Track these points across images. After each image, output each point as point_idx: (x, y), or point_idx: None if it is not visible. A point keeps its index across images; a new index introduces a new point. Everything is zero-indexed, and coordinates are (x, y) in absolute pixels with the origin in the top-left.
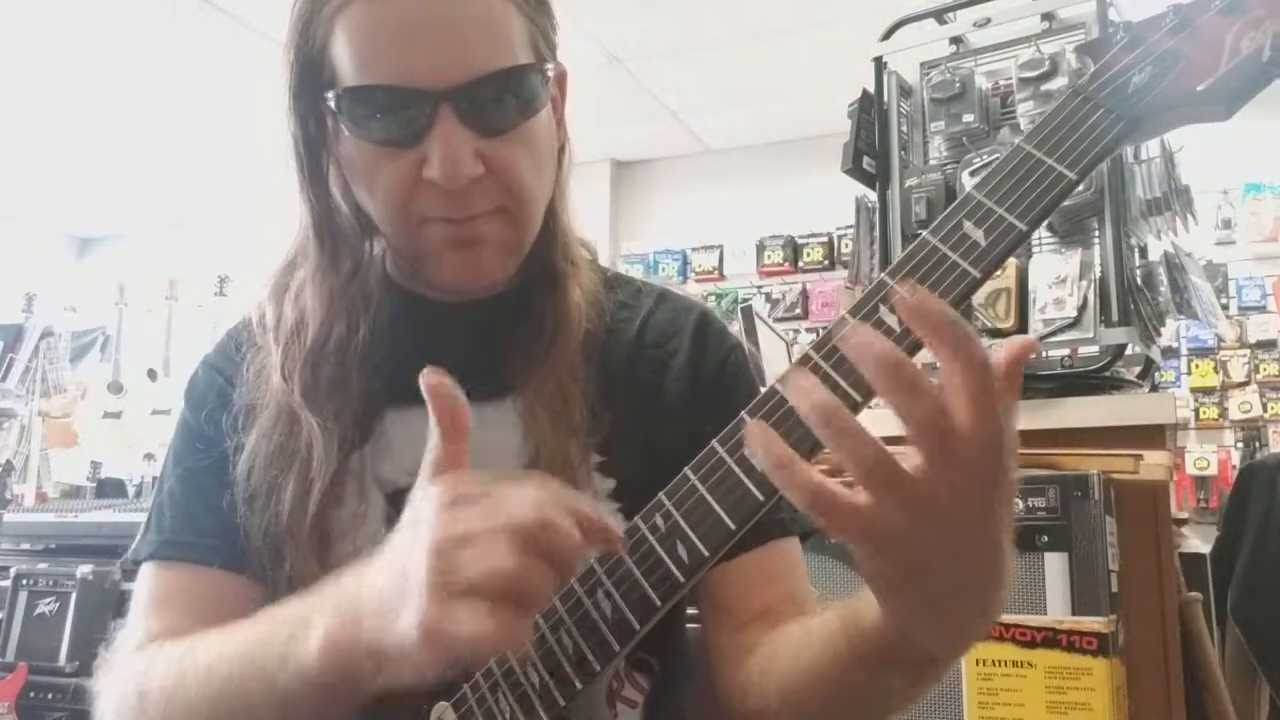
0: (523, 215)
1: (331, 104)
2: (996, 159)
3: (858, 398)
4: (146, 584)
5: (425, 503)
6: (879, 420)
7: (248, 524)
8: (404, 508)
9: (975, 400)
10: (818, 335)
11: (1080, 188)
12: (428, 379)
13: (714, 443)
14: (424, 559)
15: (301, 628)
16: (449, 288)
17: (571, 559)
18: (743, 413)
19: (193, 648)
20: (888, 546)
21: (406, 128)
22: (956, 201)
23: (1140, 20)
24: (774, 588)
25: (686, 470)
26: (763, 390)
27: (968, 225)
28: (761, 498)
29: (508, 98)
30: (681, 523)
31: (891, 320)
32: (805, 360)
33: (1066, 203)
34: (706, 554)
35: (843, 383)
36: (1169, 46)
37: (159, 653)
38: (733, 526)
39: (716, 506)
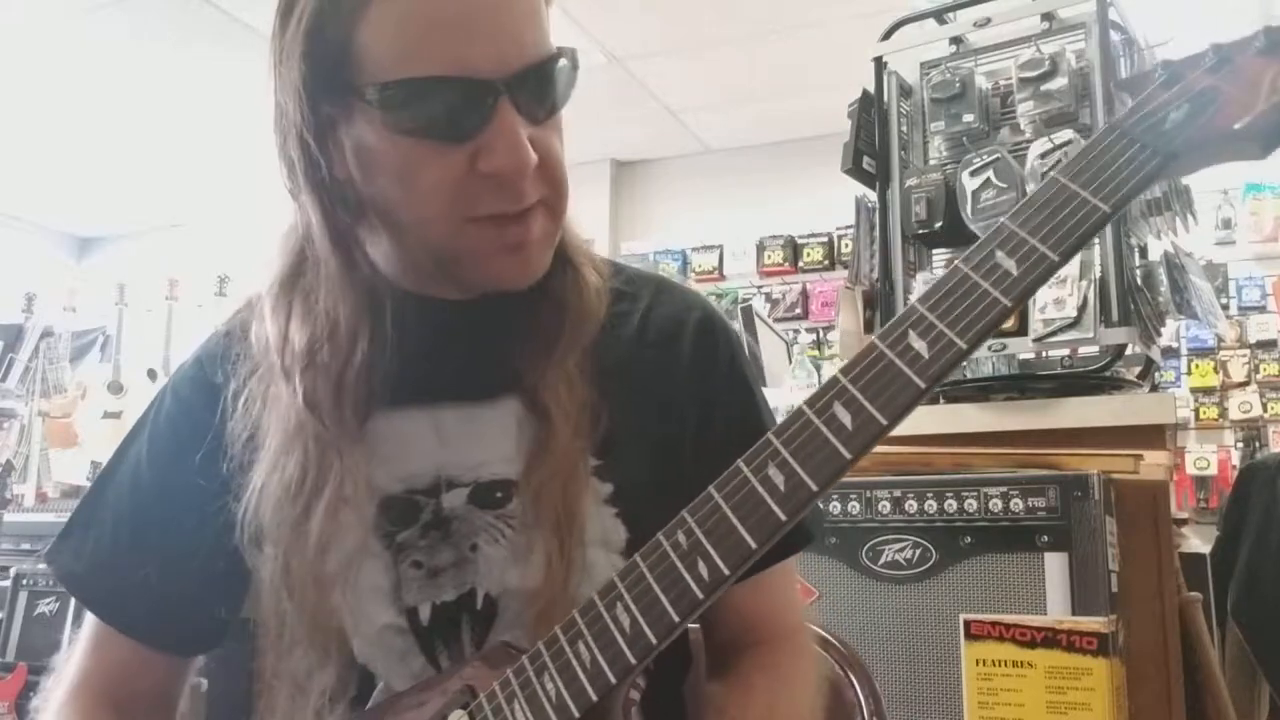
0: (560, 206)
1: (371, 97)
2: (996, 159)
3: (884, 421)
4: (85, 633)
5: None
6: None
7: (255, 564)
8: (394, 516)
9: None
10: (818, 336)
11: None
12: None
13: (739, 462)
14: None
15: None
16: (492, 289)
17: None
18: (768, 434)
19: None
20: None
21: (463, 119)
22: (990, 231)
23: (1179, 58)
24: (757, 609)
25: (710, 489)
26: (763, 388)
27: (1000, 255)
28: (784, 517)
29: (552, 85)
30: (703, 540)
31: (919, 346)
32: (833, 384)
33: None
34: (727, 572)
35: (869, 406)
36: (1207, 84)
37: None
38: (753, 545)
39: (739, 525)
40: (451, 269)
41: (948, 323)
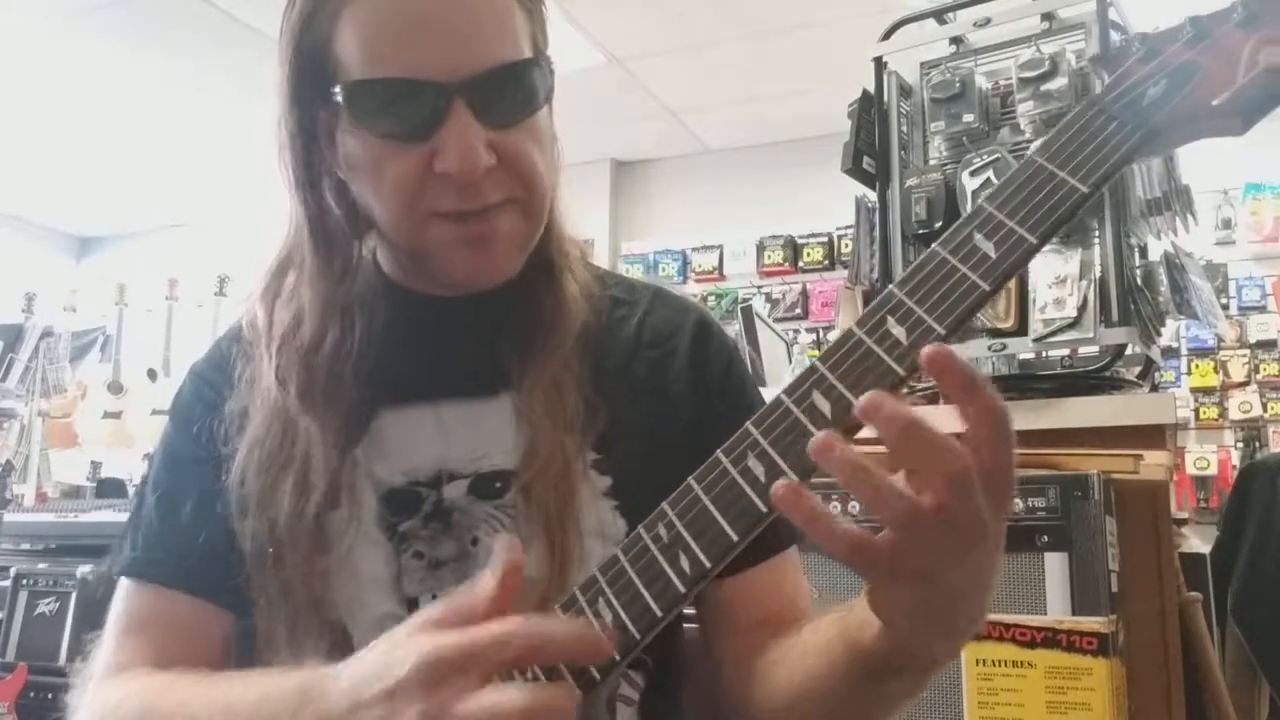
0: (535, 205)
1: (339, 98)
2: (997, 159)
3: None
4: (121, 601)
5: (402, 665)
6: None
7: (240, 531)
8: (397, 507)
9: (996, 443)
10: (818, 336)
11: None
12: (504, 564)
13: (718, 453)
14: None
15: None
16: (459, 285)
17: None
18: (747, 424)
19: (153, 710)
20: (916, 582)
21: (418, 120)
22: (967, 213)
23: (1156, 32)
24: (774, 597)
25: (690, 480)
26: (763, 388)
27: (978, 237)
28: (764, 509)
29: (517, 90)
30: (684, 533)
31: (898, 332)
32: (811, 372)
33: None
34: (708, 565)
35: (847, 394)
36: (1185, 59)
37: (126, 700)
38: (735, 538)
39: (719, 518)
40: (425, 265)
41: (926, 308)
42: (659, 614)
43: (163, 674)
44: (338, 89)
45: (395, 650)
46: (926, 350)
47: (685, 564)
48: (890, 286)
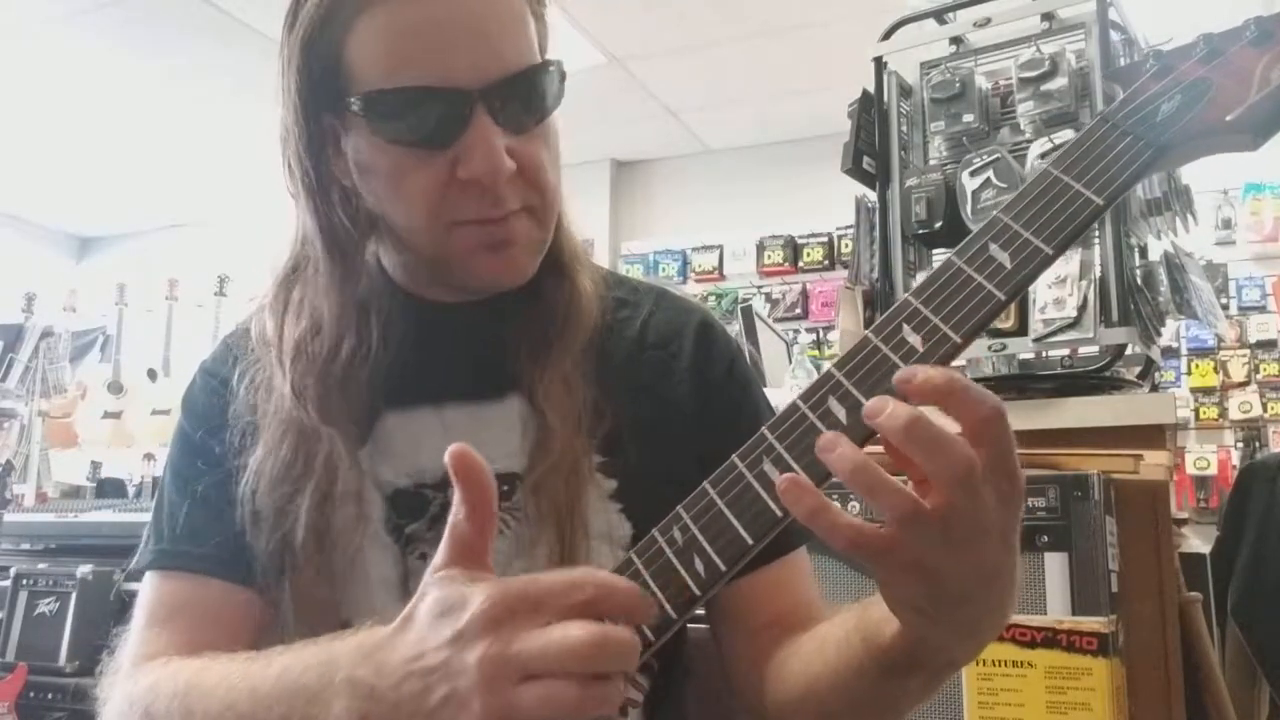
0: (547, 213)
1: (356, 107)
2: (997, 159)
3: None
4: (148, 593)
5: (465, 608)
6: None
7: (253, 541)
8: (404, 510)
9: (997, 443)
10: (818, 336)
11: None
12: (455, 457)
13: (734, 457)
14: (476, 686)
15: (317, 708)
16: (481, 289)
17: (630, 664)
18: (763, 429)
19: (198, 686)
20: (920, 575)
21: (441, 127)
22: (983, 224)
23: (1169, 49)
24: (784, 597)
25: (705, 484)
26: (764, 389)
27: (993, 248)
28: (780, 513)
29: (534, 95)
30: (699, 536)
31: (914, 340)
32: (827, 378)
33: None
34: (723, 568)
35: (864, 401)
36: (1198, 75)
37: (163, 681)
38: (750, 541)
39: (734, 521)
40: (443, 272)
41: (941, 316)
42: (674, 616)
43: (198, 657)
44: (354, 99)
45: (455, 595)
46: (898, 377)
47: (700, 567)
48: (906, 295)
